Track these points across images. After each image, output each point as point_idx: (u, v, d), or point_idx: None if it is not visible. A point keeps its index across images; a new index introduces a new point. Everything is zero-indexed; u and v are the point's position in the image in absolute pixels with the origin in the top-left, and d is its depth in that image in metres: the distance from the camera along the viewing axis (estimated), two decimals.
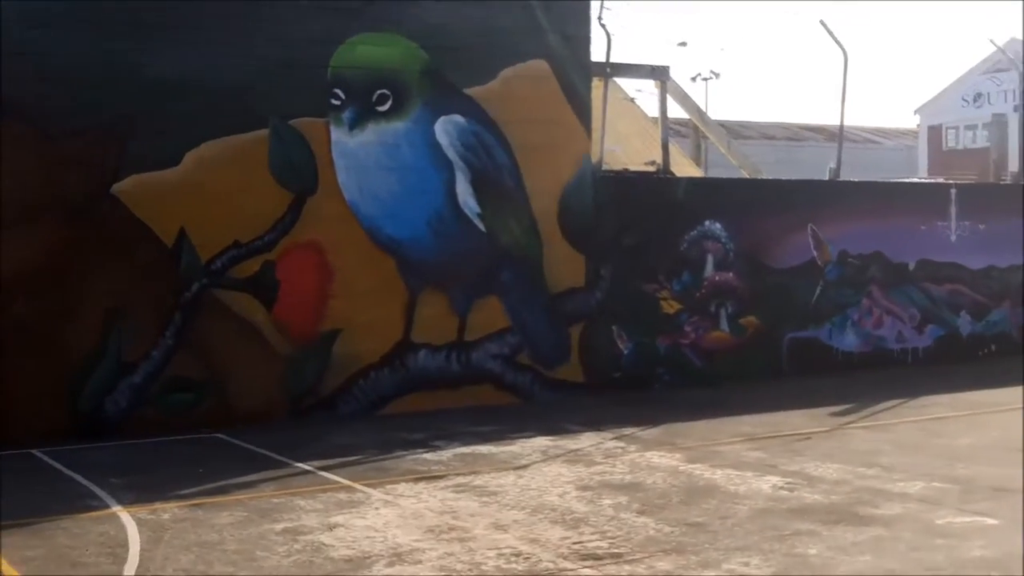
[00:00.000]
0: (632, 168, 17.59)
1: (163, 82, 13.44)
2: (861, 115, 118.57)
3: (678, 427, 13.48)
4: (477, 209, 15.33)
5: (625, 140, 18.26)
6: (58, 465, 11.63)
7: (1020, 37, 47.30)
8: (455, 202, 15.20)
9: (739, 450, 12.04)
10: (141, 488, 10.45)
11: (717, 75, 56.14)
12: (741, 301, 17.54)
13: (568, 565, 8.00)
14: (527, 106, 15.60)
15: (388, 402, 14.79)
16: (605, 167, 16.79)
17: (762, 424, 13.62)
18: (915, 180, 28.22)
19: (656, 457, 11.73)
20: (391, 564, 8.06)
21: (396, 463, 11.61)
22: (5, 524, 9.13)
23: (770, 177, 19.98)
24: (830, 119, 52.50)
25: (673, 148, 19.30)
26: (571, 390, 15.90)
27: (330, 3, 14.41)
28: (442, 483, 10.62)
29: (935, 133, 56.18)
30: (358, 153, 14.55)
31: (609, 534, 8.77)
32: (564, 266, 15.99)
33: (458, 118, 15.16)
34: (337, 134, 14.45)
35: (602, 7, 16.67)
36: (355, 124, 14.51)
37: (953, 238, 19.92)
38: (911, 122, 59.04)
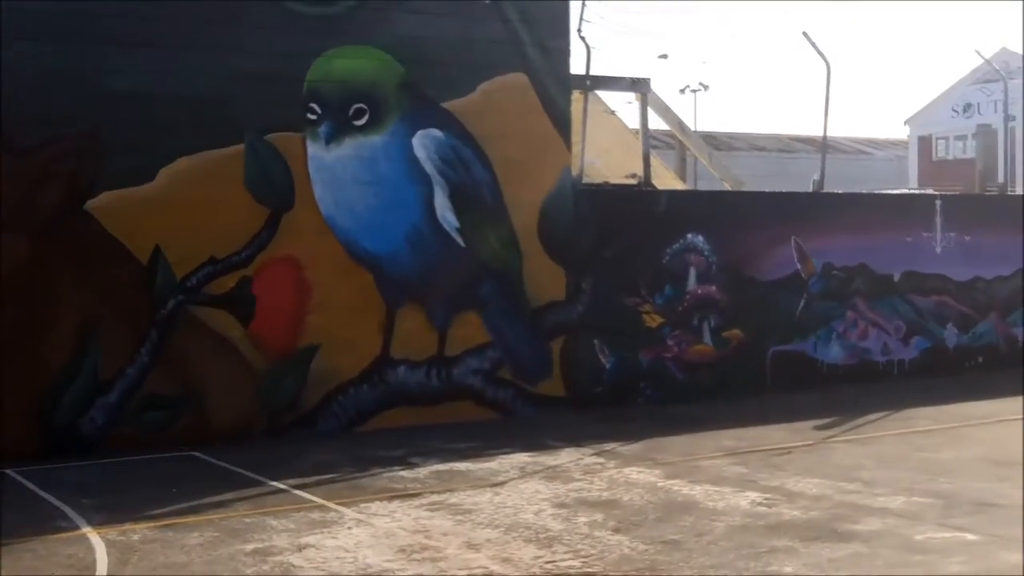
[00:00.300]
0: (613, 181, 17.47)
1: (137, 97, 13.32)
2: (852, 126, 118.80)
3: (659, 442, 13.36)
4: (456, 223, 15.20)
5: (606, 153, 18.11)
6: (31, 485, 11.48)
7: (1008, 47, 47.45)
8: (433, 216, 15.06)
9: (719, 465, 11.93)
10: (112, 508, 10.32)
11: (706, 87, 56.02)
12: (724, 314, 17.39)
13: None
14: (506, 119, 15.48)
15: (367, 418, 14.62)
16: (586, 180, 16.64)
17: (744, 438, 13.51)
18: (902, 191, 28.08)
19: (635, 473, 11.62)
20: None
21: (372, 481, 11.49)
22: None
23: (758, 189, 19.87)
24: (821, 130, 52.40)
25: (656, 161, 19.18)
26: (553, 405, 15.74)
27: (306, 17, 14.31)
28: (417, 501, 10.49)
29: (925, 144, 56.16)
30: (335, 167, 14.42)
31: (582, 552, 8.66)
32: (544, 280, 15.85)
33: (436, 132, 15.04)
34: (314, 148, 14.31)
35: (581, 20, 16.54)
36: (332, 138, 14.38)
37: (938, 249, 19.82)
38: (902, 133, 59.09)
